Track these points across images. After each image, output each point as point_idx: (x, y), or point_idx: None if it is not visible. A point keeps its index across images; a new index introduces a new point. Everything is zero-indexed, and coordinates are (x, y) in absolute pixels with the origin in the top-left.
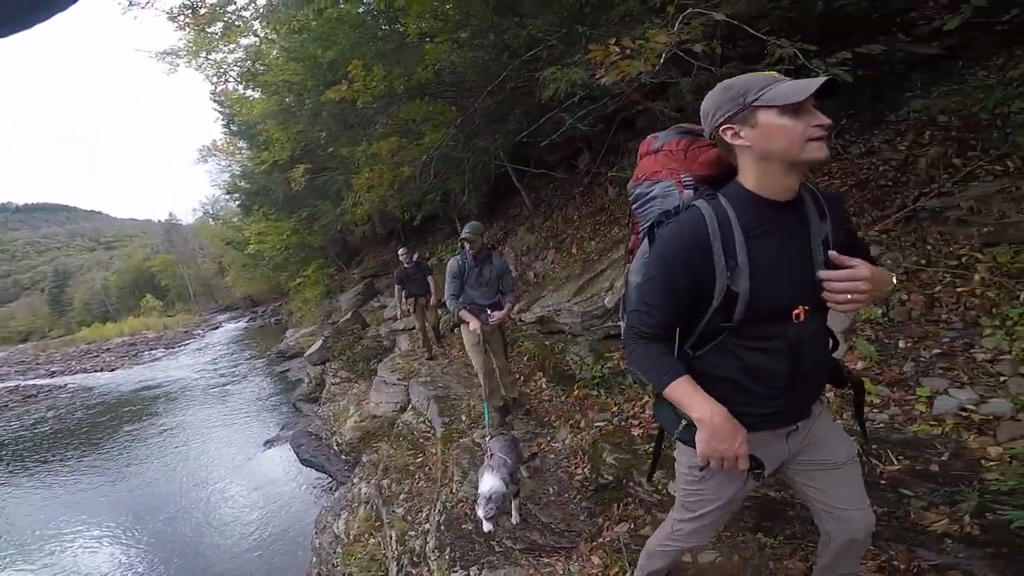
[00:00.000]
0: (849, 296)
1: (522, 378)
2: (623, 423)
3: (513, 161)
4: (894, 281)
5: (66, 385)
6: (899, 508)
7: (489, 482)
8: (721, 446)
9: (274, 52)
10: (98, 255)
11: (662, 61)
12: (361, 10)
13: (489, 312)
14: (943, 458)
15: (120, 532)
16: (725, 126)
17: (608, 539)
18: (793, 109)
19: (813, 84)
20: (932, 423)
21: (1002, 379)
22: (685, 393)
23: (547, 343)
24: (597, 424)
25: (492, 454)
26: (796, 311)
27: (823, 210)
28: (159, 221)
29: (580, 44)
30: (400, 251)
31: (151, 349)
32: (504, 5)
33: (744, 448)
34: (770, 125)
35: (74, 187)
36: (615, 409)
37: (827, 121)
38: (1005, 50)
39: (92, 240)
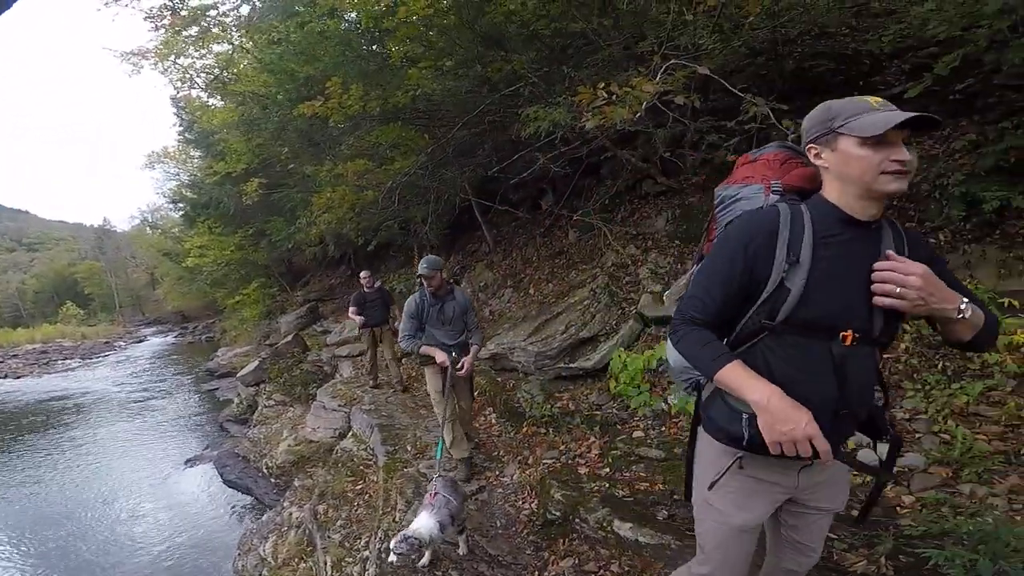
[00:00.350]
0: (896, 289)
1: (473, 413)
2: (570, 461)
3: (478, 195)
4: (963, 308)
5: None
6: (824, 550)
7: (423, 522)
8: (785, 427)
9: (245, 62)
10: (17, 256)
11: (643, 109)
12: (345, 27)
13: (455, 356)
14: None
15: (15, 543)
16: (811, 145)
17: (554, 573)
18: (874, 141)
19: (893, 119)
20: (854, 473)
21: (917, 436)
22: (739, 376)
23: (499, 379)
24: (545, 461)
25: (436, 493)
26: (844, 333)
27: (902, 245)
28: (91, 226)
29: (564, 84)
30: (362, 273)
31: (65, 358)
32: (491, 38)
33: (813, 427)
34: (848, 153)
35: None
36: (563, 448)
37: (906, 157)
38: (953, 120)
39: (13, 240)
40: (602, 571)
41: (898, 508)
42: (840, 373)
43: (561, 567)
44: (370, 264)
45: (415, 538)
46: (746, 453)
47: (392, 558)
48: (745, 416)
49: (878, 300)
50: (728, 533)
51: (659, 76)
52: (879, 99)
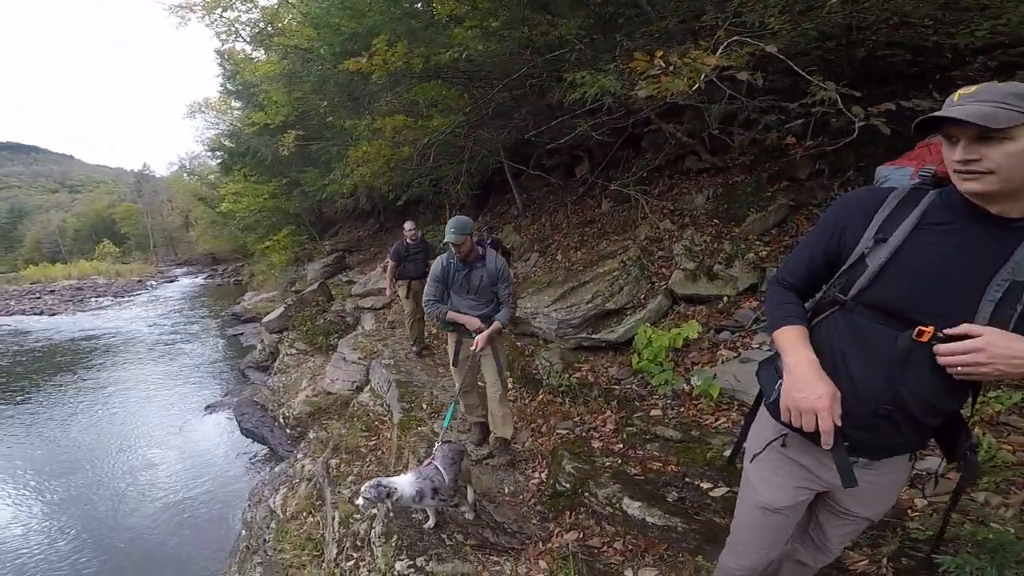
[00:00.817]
0: (961, 369)
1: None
2: (585, 434)
3: (512, 158)
4: None
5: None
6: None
7: (402, 480)
8: (799, 395)
9: (290, 16)
10: (60, 197)
11: (700, 82)
12: None
13: (473, 332)
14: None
15: (35, 489)
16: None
17: (557, 545)
18: (946, 137)
19: (934, 116)
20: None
21: None
22: (789, 339)
23: (518, 344)
24: (559, 431)
25: (431, 461)
26: (924, 328)
27: None
28: (132, 170)
29: (614, 52)
30: (407, 225)
31: (99, 296)
32: (537, 1)
33: (825, 402)
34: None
35: (48, 129)
36: (577, 419)
37: (963, 156)
38: None
39: (57, 182)
40: (606, 547)
41: (909, 511)
42: (896, 367)
43: (565, 540)
44: (398, 219)
45: (386, 487)
46: (792, 432)
47: (359, 501)
48: (781, 381)
49: (952, 372)
50: (753, 510)
51: (720, 51)
52: (971, 89)
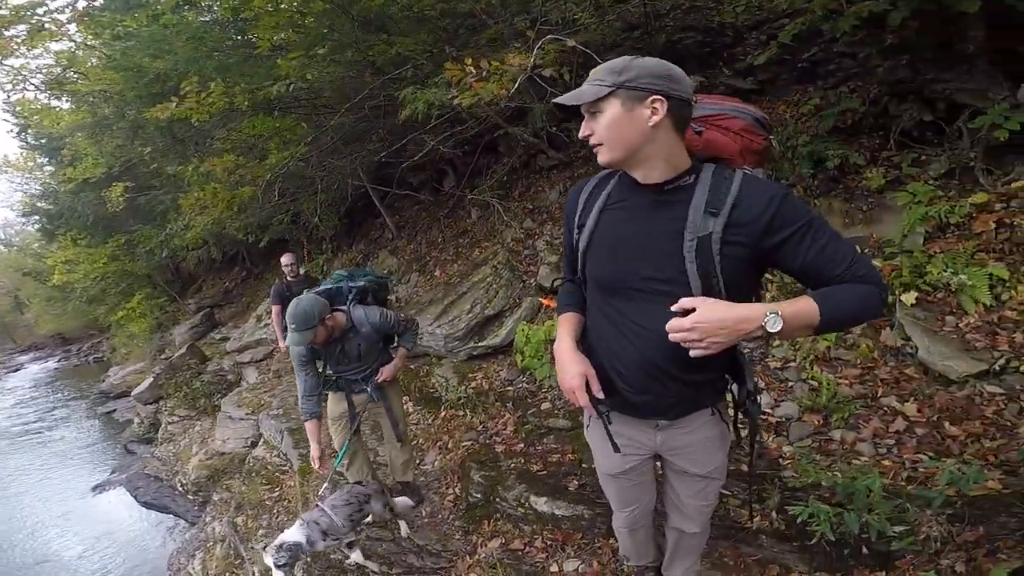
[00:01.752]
0: (685, 345)
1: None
2: (488, 441)
3: (374, 182)
4: (767, 324)
5: None
6: (720, 507)
7: (290, 534)
8: (561, 377)
9: (92, 59)
10: None
11: (517, 85)
12: (206, 19)
13: (366, 386)
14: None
15: None
16: None
17: (483, 555)
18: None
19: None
20: (740, 425)
21: (789, 384)
22: (559, 327)
23: (412, 366)
24: (464, 443)
25: (317, 504)
26: (638, 292)
27: (718, 205)
28: None
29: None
30: (283, 259)
31: None
32: (371, 22)
33: (576, 382)
34: None
35: None
36: (480, 428)
37: (582, 134)
38: (801, 87)
39: None
40: (527, 547)
41: (780, 459)
42: (627, 330)
43: (489, 548)
44: (265, 261)
45: (290, 545)
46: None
47: (276, 573)
48: None
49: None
50: (602, 477)
51: (535, 51)
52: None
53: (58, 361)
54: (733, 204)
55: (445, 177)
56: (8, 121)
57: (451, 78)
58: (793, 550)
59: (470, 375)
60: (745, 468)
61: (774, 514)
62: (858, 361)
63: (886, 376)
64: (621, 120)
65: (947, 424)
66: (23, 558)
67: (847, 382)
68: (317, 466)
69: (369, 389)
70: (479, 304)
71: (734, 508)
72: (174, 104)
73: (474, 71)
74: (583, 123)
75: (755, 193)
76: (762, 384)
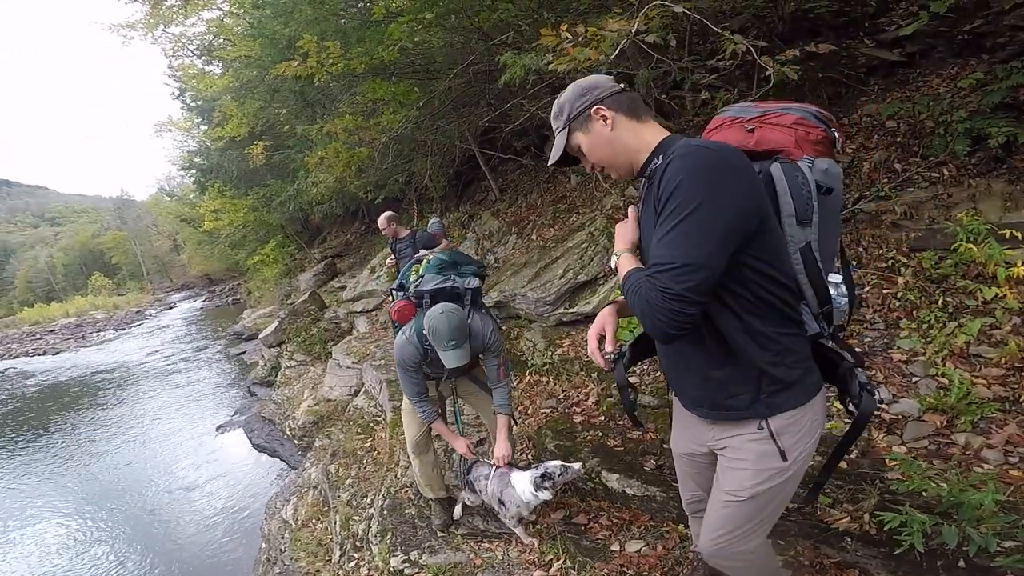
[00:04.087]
0: None
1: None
2: (567, 410)
3: (481, 145)
4: (613, 257)
5: (5, 371)
6: (807, 504)
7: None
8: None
9: (238, 27)
10: (42, 232)
11: (617, 51)
12: None
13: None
14: (852, 455)
15: (65, 523)
16: None
17: (545, 526)
18: None
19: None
20: (846, 420)
21: (914, 380)
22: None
23: (503, 328)
24: (543, 411)
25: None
26: None
27: (655, 187)
28: (110, 197)
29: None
30: (380, 221)
31: (100, 330)
32: None
33: (591, 341)
34: None
35: (15, 160)
36: (561, 396)
37: (588, 169)
38: (961, 60)
39: (35, 216)
40: (591, 523)
41: (887, 459)
42: None
43: (552, 519)
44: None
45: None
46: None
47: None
48: None
49: None
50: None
51: (638, 17)
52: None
53: (204, 301)
54: (659, 178)
55: (547, 142)
56: (170, 85)
57: (547, 44)
58: (879, 556)
59: (557, 341)
60: (844, 466)
61: (866, 517)
62: (1003, 360)
63: None
64: (593, 143)
65: None
66: (153, 487)
67: (985, 382)
68: (466, 451)
69: (495, 464)
70: (572, 270)
71: (823, 507)
72: (296, 63)
73: (570, 37)
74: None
75: (670, 167)
76: (882, 377)
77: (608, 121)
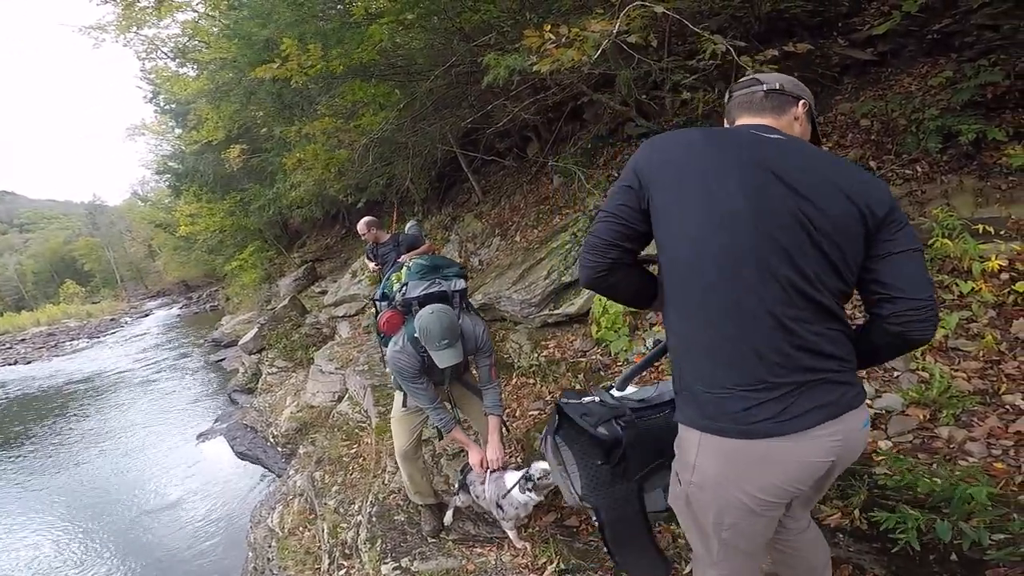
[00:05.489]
0: None
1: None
2: None
3: (462, 147)
4: None
5: None
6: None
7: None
8: None
9: (214, 29)
10: (11, 238)
11: (599, 52)
12: None
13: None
14: None
15: (43, 538)
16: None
17: (537, 529)
18: None
19: None
20: None
21: (895, 374)
22: None
23: (489, 330)
24: (531, 413)
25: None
26: None
27: None
28: (81, 202)
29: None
30: (359, 226)
31: (73, 339)
32: None
33: None
34: None
35: None
36: (548, 398)
37: None
38: (931, 59)
39: (3, 222)
40: (583, 526)
41: (875, 455)
42: None
43: (544, 523)
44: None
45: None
46: None
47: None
48: None
49: None
50: None
51: (619, 17)
52: None
53: (180, 307)
54: None
55: (529, 144)
56: (143, 88)
57: (530, 45)
58: (871, 551)
59: (543, 342)
60: None
61: (857, 512)
62: (981, 353)
63: (1013, 372)
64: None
65: None
66: (132, 505)
67: (964, 376)
68: (481, 466)
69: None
70: (556, 271)
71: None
72: (276, 65)
73: (553, 37)
74: None
75: None
76: (863, 373)
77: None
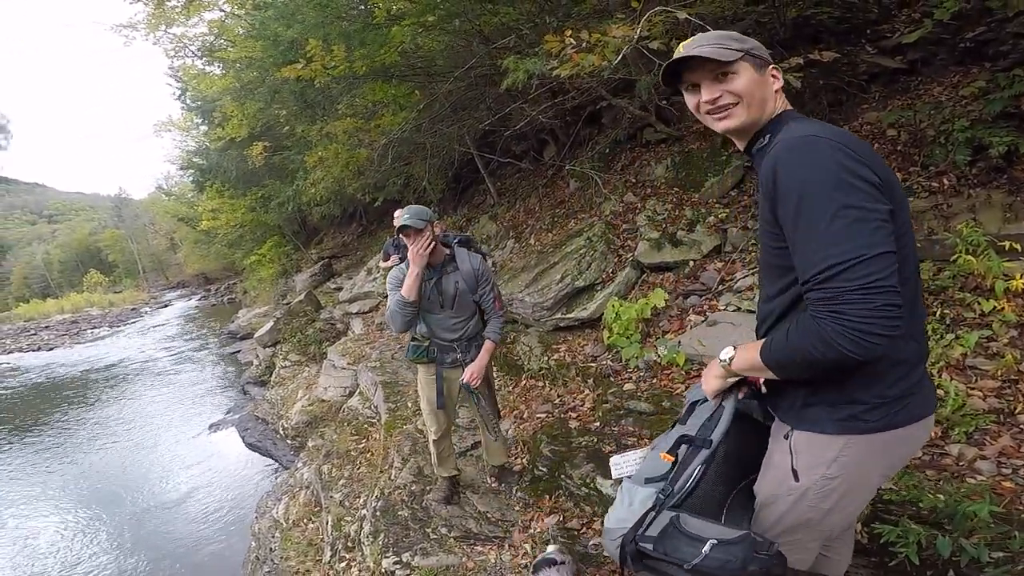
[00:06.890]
0: None
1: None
2: (563, 415)
3: (480, 149)
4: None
5: None
6: None
7: None
8: None
9: (240, 29)
10: (39, 229)
11: (620, 57)
12: None
13: (460, 357)
14: None
15: (55, 521)
16: None
17: (539, 530)
18: (689, 89)
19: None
20: None
21: None
22: None
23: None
24: (538, 415)
25: None
26: None
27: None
28: (108, 196)
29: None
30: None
31: (94, 327)
32: None
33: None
34: None
35: (14, 158)
36: (556, 401)
37: (709, 96)
38: (963, 68)
39: (33, 213)
40: (585, 528)
41: None
42: None
43: (545, 524)
44: (380, 221)
45: None
46: None
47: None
48: None
49: None
50: None
51: (640, 22)
52: (689, 40)
53: (199, 299)
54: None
55: (546, 147)
56: (171, 85)
57: (550, 49)
58: (869, 564)
59: (554, 346)
60: None
61: (859, 525)
62: (999, 372)
63: None
64: (757, 82)
65: None
66: (141, 492)
67: (980, 394)
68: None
69: (463, 381)
70: (570, 275)
71: None
72: (301, 66)
73: (573, 42)
74: (704, 87)
75: (769, 155)
76: None
77: (776, 84)
